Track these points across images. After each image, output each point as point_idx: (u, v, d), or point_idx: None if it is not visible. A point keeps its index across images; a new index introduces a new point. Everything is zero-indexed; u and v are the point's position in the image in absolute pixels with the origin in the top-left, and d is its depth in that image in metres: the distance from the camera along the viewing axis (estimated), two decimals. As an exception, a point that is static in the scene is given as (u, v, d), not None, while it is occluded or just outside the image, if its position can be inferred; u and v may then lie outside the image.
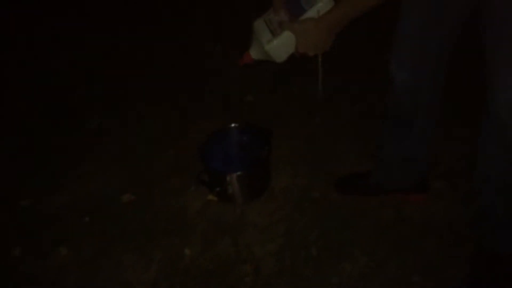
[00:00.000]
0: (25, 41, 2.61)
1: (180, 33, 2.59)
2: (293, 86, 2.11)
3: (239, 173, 1.51)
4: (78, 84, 2.26)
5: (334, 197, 1.59)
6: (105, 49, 2.49)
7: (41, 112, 2.09)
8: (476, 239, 1.35)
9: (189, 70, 2.30)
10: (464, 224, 1.44)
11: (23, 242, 1.51)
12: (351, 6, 1.04)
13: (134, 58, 2.43)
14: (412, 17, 1.17)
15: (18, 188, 1.71)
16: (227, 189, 1.53)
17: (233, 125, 1.68)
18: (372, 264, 1.38)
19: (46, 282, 1.40)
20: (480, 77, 1.09)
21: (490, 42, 1.04)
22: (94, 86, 2.24)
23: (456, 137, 1.73)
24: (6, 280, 1.42)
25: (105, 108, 2.08)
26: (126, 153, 1.84)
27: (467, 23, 1.13)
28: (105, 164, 1.79)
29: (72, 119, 2.04)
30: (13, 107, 2.14)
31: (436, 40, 1.16)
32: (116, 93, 2.18)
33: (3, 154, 1.87)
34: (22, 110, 2.11)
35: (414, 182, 1.51)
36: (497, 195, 1.20)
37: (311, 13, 1.11)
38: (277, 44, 1.15)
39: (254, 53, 1.23)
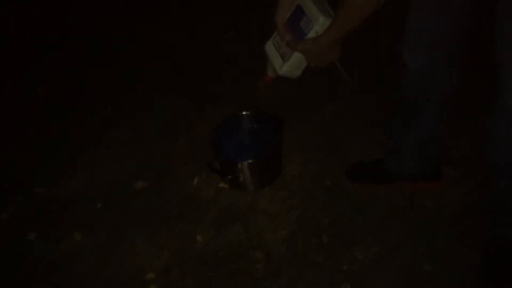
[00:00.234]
0: (40, 29, 2.62)
1: (192, 19, 2.58)
2: (305, 74, 2.09)
3: (250, 161, 1.51)
4: (90, 71, 2.27)
5: (346, 184, 1.58)
6: (117, 37, 2.50)
7: (54, 100, 2.11)
8: (489, 227, 1.34)
9: (201, 57, 2.30)
10: (478, 212, 1.43)
11: (38, 227, 1.54)
12: (345, 22, 1.08)
13: (146, 46, 2.43)
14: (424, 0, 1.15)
15: (32, 175, 1.73)
16: (238, 176, 1.53)
17: (244, 112, 1.68)
18: (384, 252, 1.38)
19: (61, 267, 1.43)
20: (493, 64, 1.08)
21: (501, 29, 1.03)
22: (106, 73, 2.25)
23: (472, 124, 1.71)
24: (22, 263, 1.45)
25: (117, 96, 2.09)
26: (138, 140, 1.85)
27: (481, 7, 1.11)
28: (118, 151, 1.81)
29: (85, 106, 2.06)
30: (26, 95, 2.16)
31: (449, 22, 1.14)
32: (128, 80, 2.19)
33: (17, 141, 1.90)
34: (35, 98, 2.13)
35: (427, 169, 1.50)
36: (510, 183, 1.19)
37: (310, 36, 1.18)
38: (288, 68, 1.27)
39: (271, 73, 1.36)
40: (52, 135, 1.91)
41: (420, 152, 1.44)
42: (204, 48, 2.35)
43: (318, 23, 1.17)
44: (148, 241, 1.47)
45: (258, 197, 1.58)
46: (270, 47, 1.32)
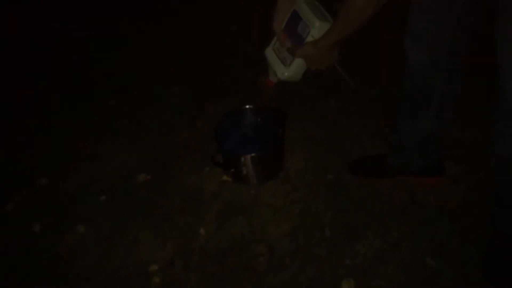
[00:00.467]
0: (43, 25, 2.62)
1: (195, 14, 2.58)
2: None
3: (253, 154, 1.52)
4: (94, 65, 2.27)
5: (348, 179, 1.58)
6: (120, 31, 2.50)
7: (58, 93, 2.11)
8: (492, 222, 1.34)
9: (203, 50, 2.30)
10: (480, 208, 1.44)
11: (42, 219, 1.55)
12: (346, 24, 1.11)
13: (149, 40, 2.42)
14: None
15: (36, 167, 1.74)
16: (241, 170, 1.54)
17: (247, 106, 1.68)
18: (386, 247, 1.38)
19: (65, 258, 1.43)
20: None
21: (501, 29, 1.03)
22: (110, 67, 2.25)
23: (475, 120, 1.71)
24: (26, 255, 1.45)
25: (120, 89, 2.09)
26: (141, 133, 1.86)
27: (481, 7, 1.12)
28: (121, 144, 1.81)
29: (88, 99, 2.06)
30: (30, 88, 2.16)
31: (452, 15, 1.14)
32: (131, 74, 2.19)
33: (21, 134, 1.90)
34: (39, 91, 2.13)
35: (429, 164, 1.50)
36: None
37: (308, 40, 1.22)
38: (290, 74, 1.31)
39: (273, 78, 1.39)
40: (56, 128, 1.91)
41: (422, 147, 1.44)
42: (207, 42, 2.35)
43: (315, 27, 1.21)
44: (151, 233, 1.48)
45: (261, 191, 1.58)
46: (270, 53, 1.36)
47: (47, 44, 2.46)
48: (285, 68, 1.31)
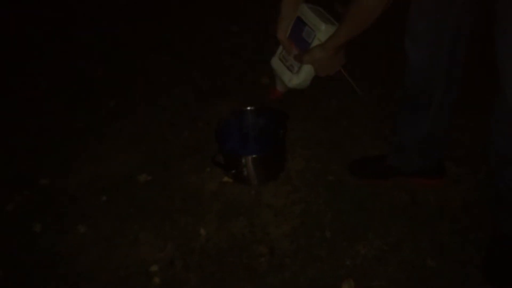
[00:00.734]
0: (43, 26, 2.62)
1: (196, 14, 2.58)
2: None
3: (254, 155, 1.52)
4: (94, 66, 2.27)
5: (349, 180, 1.59)
6: (121, 32, 2.50)
7: (58, 94, 2.11)
8: (493, 222, 1.34)
9: (205, 51, 2.30)
10: (481, 208, 1.44)
11: (43, 219, 1.55)
12: (355, 24, 1.11)
13: (150, 40, 2.43)
14: None
15: (37, 167, 1.74)
16: (242, 171, 1.54)
17: (249, 108, 1.68)
18: (386, 247, 1.39)
19: (66, 258, 1.43)
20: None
21: (501, 29, 1.03)
22: (111, 67, 2.25)
23: (474, 121, 1.71)
24: (28, 255, 1.46)
25: (121, 90, 2.09)
26: (142, 133, 1.86)
27: (481, 7, 1.12)
28: (122, 145, 1.81)
29: (88, 100, 2.06)
30: (31, 88, 2.16)
31: (452, 16, 1.15)
32: (132, 74, 2.19)
33: (22, 134, 1.90)
34: (40, 92, 2.14)
35: (429, 165, 1.50)
36: None
37: (314, 45, 1.22)
38: (297, 81, 1.30)
39: (280, 88, 1.40)
40: (57, 128, 1.91)
41: (422, 147, 1.44)
42: (208, 43, 2.36)
43: (321, 31, 1.20)
44: (151, 233, 1.48)
45: (261, 191, 1.58)
46: (276, 63, 1.35)
47: (47, 44, 2.46)
48: (293, 75, 1.30)
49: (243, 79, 2.10)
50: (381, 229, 1.44)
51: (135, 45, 2.40)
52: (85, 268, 1.41)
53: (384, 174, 1.55)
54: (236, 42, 2.33)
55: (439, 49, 1.20)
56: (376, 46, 2.16)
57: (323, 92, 1.97)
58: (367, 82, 1.99)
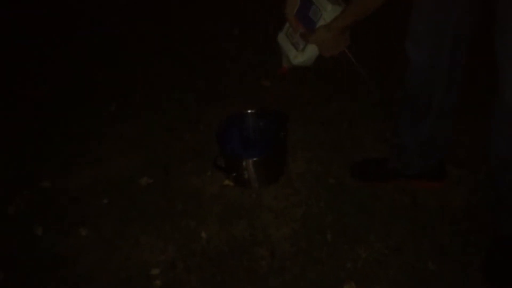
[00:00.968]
0: (43, 29, 2.63)
1: (197, 17, 2.59)
2: (310, 71, 2.10)
3: (255, 158, 1.52)
4: (95, 68, 2.28)
5: (350, 182, 1.59)
6: (121, 35, 2.51)
7: (59, 97, 2.12)
8: (493, 225, 1.34)
9: (205, 54, 2.30)
10: (481, 211, 1.44)
11: (44, 221, 1.55)
12: (361, 8, 1.11)
13: (150, 42, 2.44)
14: None
15: (39, 170, 1.74)
16: (243, 174, 1.54)
17: (249, 111, 1.69)
18: (387, 250, 1.38)
19: (67, 261, 1.43)
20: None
21: (501, 29, 1.03)
22: (111, 70, 2.26)
23: (475, 124, 1.71)
24: (29, 256, 1.46)
25: (122, 92, 2.10)
26: (143, 136, 1.86)
27: (482, 7, 1.12)
28: (122, 148, 1.82)
29: (89, 103, 2.07)
30: (32, 91, 2.17)
31: (452, 18, 1.15)
32: (133, 77, 2.20)
33: (23, 136, 1.91)
34: (41, 95, 2.14)
35: (430, 167, 1.50)
36: None
37: (320, 24, 1.22)
38: (302, 58, 1.30)
39: (286, 63, 1.39)
40: (58, 131, 1.92)
41: (423, 150, 1.44)
42: (209, 46, 2.36)
43: (327, 11, 1.20)
44: (153, 236, 1.48)
45: (262, 194, 1.59)
46: (283, 38, 1.35)
47: (47, 46, 2.47)
48: (298, 53, 1.30)
49: (244, 81, 2.10)
50: (382, 231, 1.43)
51: (135, 48, 2.41)
52: (85, 270, 1.41)
53: (385, 176, 1.55)
54: (236, 45, 2.34)
55: (440, 50, 1.21)
56: (376, 47, 2.16)
57: (324, 94, 1.97)
58: (367, 84, 2.00)
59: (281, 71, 1.41)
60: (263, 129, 1.68)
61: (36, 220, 1.56)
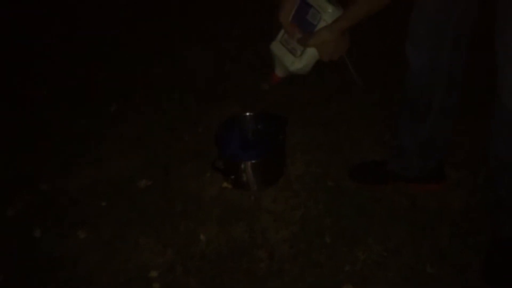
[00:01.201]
0: (43, 28, 2.63)
1: (197, 18, 2.59)
2: (309, 74, 2.09)
3: (253, 161, 1.52)
4: (95, 69, 2.28)
5: (349, 185, 1.59)
6: (121, 35, 2.51)
7: (59, 98, 2.12)
8: (492, 227, 1.34)
9: (205, 55, 2.30)
10: (480, 213, 1.44)
11: (43, 224, 1.55)
12: (366, 7, 1.08)
13: (150, 43, 2.43)
14: None
15: (38, 172, 1.74)
16: (241, 176, 1.54)
17: (248, 113, 1.69)
18: (386, 253, 1.39)
19: (66, 263, 1.44)
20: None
21: (501, 29, 1.03)
22: (111, 70, 2.26)
23: (474, 126, 1.71)
24: (28, 259, 1.46)
25: (121, 94, 2.10)
26: (142, 138, 1.86)
27: (481, 10, 1.12)
28: (122, 149, 1.82)
29: (89, 104, 2.07)
30: (32, 92, 2.17)
31: (452, 21, 1.15)
32: (133, 78, 2.20)
33: (22, 138, 1.91)
34: (41, 95, 2.14)
35: (429, 170, 1.50)
36: None
37: (320, 26, 1.18)
38: (300, 65, 1.25)
39: (280, 73, 1.34)
40: (57, 132, 1.92)
41: (423, 152, 1.44)
42: (209, 47, 2.36)
43: (327, 13, 1.17)
44: (152, 239, 1.48)
45: (261, 196, 1.59)
46: (277, 46, 1.31)
47: (47, 46, 2.47)
48: (296, 59, 1.25)
49: (243, 83, 2.10)
50: (381, 234, 1.43)
51: (135, 48, 2.41)
52: (85, 272, 1.41)
53: (384, 179, 1.55)
54: (236, 45, 2.34)
55: (440, 53, 1.21)
56: (375, 49, 2.16)
57: (323, 97, 1.97)
58: (367, 86, 2.00)
59: (274, 80, 1.37)
60: (262, 131, 1.68)
61: (35, 222, 1.56)
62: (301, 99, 1.98)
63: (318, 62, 1.25)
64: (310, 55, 1.23)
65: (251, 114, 1.68)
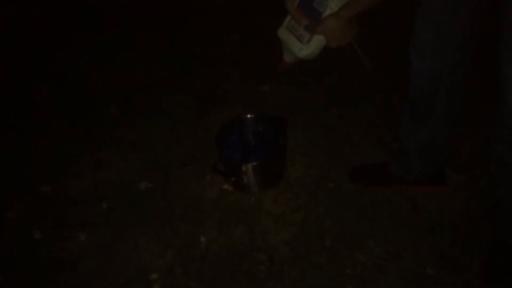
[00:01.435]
0: (43, 29, 2.63)
1: (197, 22, 2.59)
2: (310, 76, 2.10)
3: (254, 163, 1.52)
4: (96, 72, 2.28)
5: (349, 187, 1.59)
6: (122, 37, 2.51)
7: (59, 101, 2.12)
8: (493, 230, 1.34)
9: (205, 58, 2.30)
10: (481, 216, 1.44)
11: (43, 226, 1.55)
12: None
13: (151, 47, 2.43)
14: (432, 3, 1.15)
15: (39, 174, 1.74)
16: (242, 178, 1.54)
17: (249, 115, 1.69)
18: (386, 255, 1.38)
19: (66, 265, 1.43)
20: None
21: (502, 29, 1.03)
22: (111, 72, 2.26)
23: (476, 129, 1.71)
24: (28, 261, 1.46)
25: (122, 97, 2.10)
26: (143, 140, 1.86)
27: (486, 16, 1.12)
28: (123, 152, 1.81)
29: (90, 106, 2.07)
30: (32, 95, 2.17)
31: (457, 25, 1.15)
32: (133, 81, 2.20)
33: (23, 141, 1.91)
34: (41, 98, 2.14)
35: (430, 173, 1.50)
36: None
37: (327, 14, 1.18)
38: (308, 51, 1.25)
39: (288, 59, 1.34)
40: (58, 135, 1.92)
41: (424, 155, 1.44)
42: (209, 50, 2.36)
43: (333, 1, 1.17)
44: (152, 241, 1.48)
45: (261, 198, 1.59)
46: (284, 33, 1.31)
47: (48, 47, 2.47)
48: (303, 46, 1.25)
49: (244, 86, 2.10)
50: (381, 236, 1.43)
51: (135, 50, 2.41)
52: (85, 274, 1.41)
53: (384, 181, 1.55)
54: (236, 49, 2.34)
55: (443, 58, 1.21)
56: (377, 53, 2.15)
57: (323, 100, 1.97)
58: (367, 88, 2.00)
59: (282, 66, 1.36)
60: (263, 133, 1.68)
61: (35, 223, 1.56)
62: (302, 101, 1.98)
63: (325, 48, 1.25)
64: (317, 41, 1.23)
65: (252, 116, 1.68)
